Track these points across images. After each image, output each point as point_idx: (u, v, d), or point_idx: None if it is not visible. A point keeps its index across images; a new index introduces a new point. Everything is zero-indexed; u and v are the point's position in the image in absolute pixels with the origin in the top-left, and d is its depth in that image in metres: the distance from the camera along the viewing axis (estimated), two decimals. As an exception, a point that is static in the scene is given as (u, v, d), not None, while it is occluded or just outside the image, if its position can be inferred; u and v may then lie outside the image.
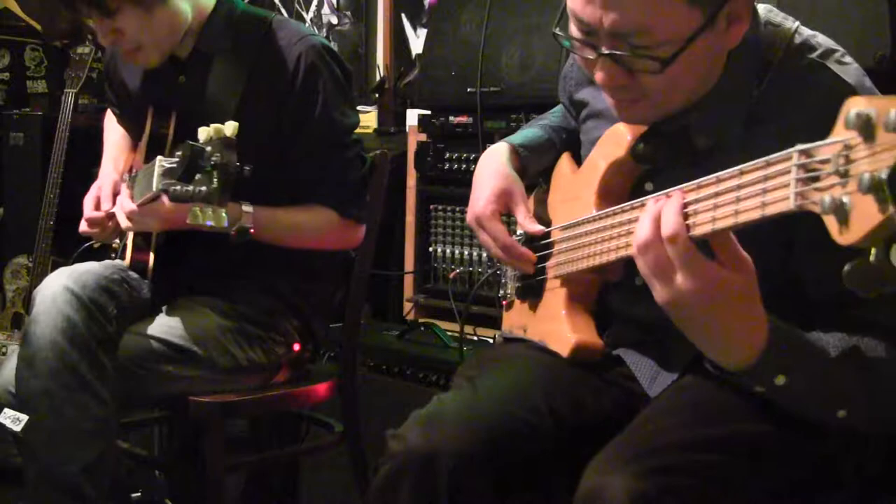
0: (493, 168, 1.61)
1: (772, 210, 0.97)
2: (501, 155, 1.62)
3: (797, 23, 1.34)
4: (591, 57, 1.28)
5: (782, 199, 0.95)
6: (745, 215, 1.02)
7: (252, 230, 1.89)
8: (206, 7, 2.04)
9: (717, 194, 1.05)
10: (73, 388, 1.77)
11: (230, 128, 1.58)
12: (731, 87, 1.31)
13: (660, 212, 1.11)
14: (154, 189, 1.75)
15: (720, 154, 1.22)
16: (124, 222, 1.94)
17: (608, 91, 1.32)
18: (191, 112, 2.02)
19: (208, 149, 1.57)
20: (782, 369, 1.15)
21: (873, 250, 0.86)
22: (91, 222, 2.10)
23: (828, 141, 0.90)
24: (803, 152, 0.93)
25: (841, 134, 0.88)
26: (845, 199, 0.86)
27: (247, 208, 1.89)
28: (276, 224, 1.99)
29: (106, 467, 1.78)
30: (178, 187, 1.61)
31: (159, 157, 1.73)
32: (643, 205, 1.21)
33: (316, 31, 4.06)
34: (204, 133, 1.59)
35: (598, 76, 1.28)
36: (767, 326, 1.13)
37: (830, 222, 0.88)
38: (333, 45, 4.00)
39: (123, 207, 1.93)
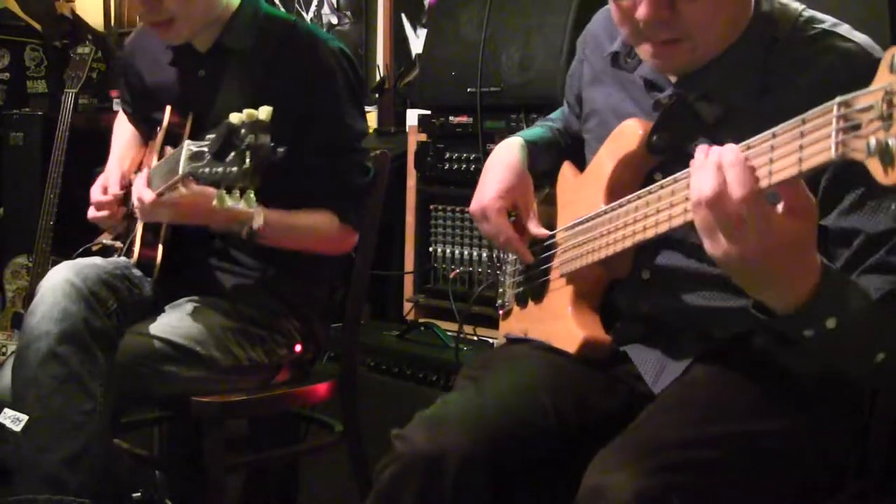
0: (507, 161, 1.61)
1: (809, 164, 0.97)
2: (516, 149, 1.63)
3: (803, 5, 1.38)
4: None
5: (822, 151, 0.95)
6: (778, 175, 1.01)
7: (262, 229, 1.89)
8: (232, 3, 2.06)
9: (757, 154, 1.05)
10: (61, 378, 1.75)
11: (264, 112, 1.57)
12: (741, 54, 1.34)
13: (720, 164, 1.06)
14: (180, 173, 1.70)
15: (731, 126, 1.24)
16: (139, 212, 1.92)
17: (649, 31, 1.32)
18: (209, 107, 2.02)
19: (243, 130, 1.56)
20: (834, 311, 1.12)
21: None
22: (99, 206, 2.08)
23: (870, 89, 0.90)
24: (843, 103, 0.93)
25: (884, 80, 0.89)
26: (891, 141, 0.87)
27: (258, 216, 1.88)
28: (285, 226, 1.99)
29: (91, 460, 1.75)
30: (207, 169, 1.60)
31: (187, 141, 1.69)
32: (658, 192, 1.23)
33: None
34: (236, 117, 1.57)
35: (642, 11, 1.29)
36: (820, 269, 1.11)
37: (874, 165, 0.89)
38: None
39: (142, 196, 1.87)
